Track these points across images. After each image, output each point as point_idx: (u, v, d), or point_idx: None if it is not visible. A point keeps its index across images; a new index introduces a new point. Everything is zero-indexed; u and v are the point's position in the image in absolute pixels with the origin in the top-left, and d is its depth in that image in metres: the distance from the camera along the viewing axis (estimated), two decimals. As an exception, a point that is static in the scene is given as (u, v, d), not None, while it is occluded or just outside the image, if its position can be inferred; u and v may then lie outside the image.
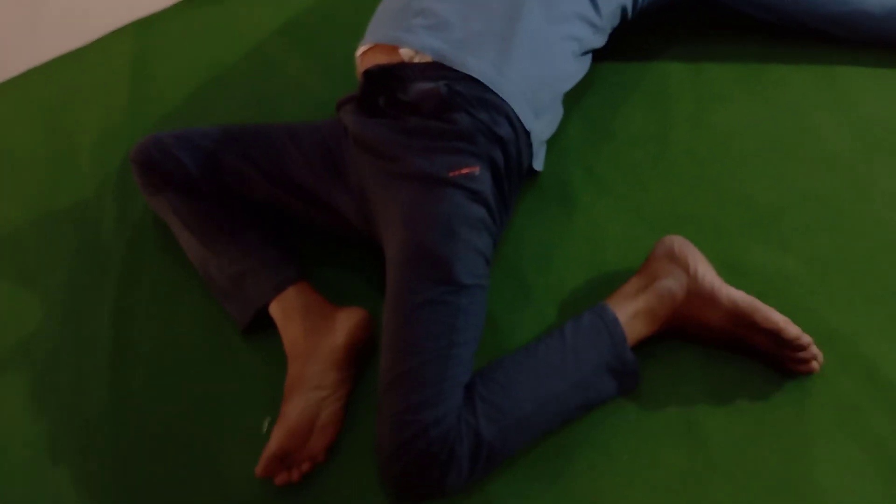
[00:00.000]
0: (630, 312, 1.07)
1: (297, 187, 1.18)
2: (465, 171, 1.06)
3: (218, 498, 1.08)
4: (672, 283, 1.08)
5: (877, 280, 1.14)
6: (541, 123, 1.18)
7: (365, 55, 1.20)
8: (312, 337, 1.10)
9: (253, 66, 1.54)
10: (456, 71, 1.10)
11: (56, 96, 1.58)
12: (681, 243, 1.11)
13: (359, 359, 1.13)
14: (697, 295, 1.07)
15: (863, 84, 1.33)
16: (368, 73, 1.14)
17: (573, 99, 1.34)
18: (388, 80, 1.13)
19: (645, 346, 1.09)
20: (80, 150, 1.48)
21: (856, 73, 1.34)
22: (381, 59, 1.15)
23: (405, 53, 1.14)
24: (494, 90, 1.10)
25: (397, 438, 0.97)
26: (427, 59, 1.12)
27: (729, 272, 1.12)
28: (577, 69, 1.26)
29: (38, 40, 1.67)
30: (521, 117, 1.12)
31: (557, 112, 1.26)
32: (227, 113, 1.48)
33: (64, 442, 1.16)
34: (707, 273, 1.08)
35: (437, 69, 1.11)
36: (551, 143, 1.30)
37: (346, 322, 1.11)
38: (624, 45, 1.38)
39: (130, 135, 1.47)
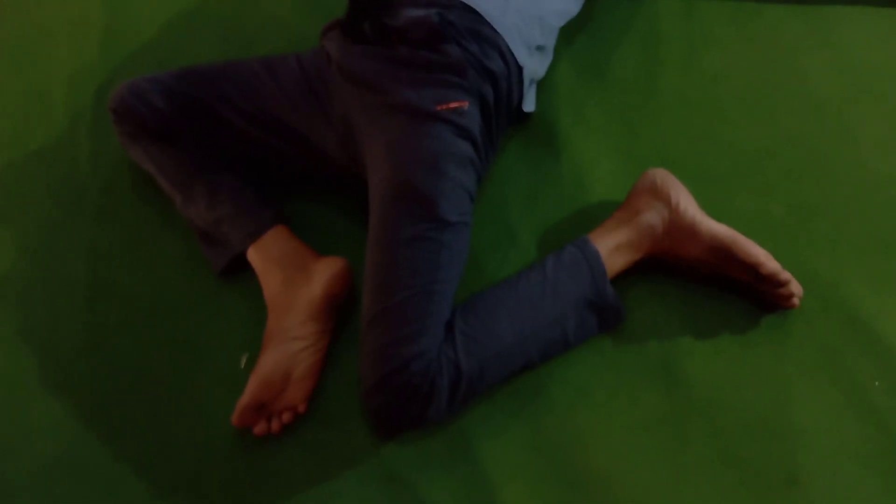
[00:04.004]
0: (611, 246, 1.07)
1: (276, 124, 1.14)
2: (453, 105, 1.04)
3: (196, 435, 1.08)
4: (653, 217, 1.07)
5: (860, 225, 1.15)
6: (533, 60, 1.16)
7: None
8: (290, 288, 1.08)
9: (231, -2, 1.49)
10: None
11: (26, 31, 1.52)
12: (663, 176, 1.10)
13: (338, 309, 1.12)
14: (678, 228, 1.07)
15: (855, 27, 1.31)
16: None
17: (563, 39, 1.32)
18: (375, 3, 1.09)
19: (623, 284, 1.09)
20: (53, 86, 1.43)
21: (848, 13, 1.32)
22: None
23: None
24: (490, 21, 1.07)
25: (379, 371, 0.97)
26: None
27: (714, 217, 1.10)
28: (571, 6, 1.23)
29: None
30: (514, 52, 1.10)
31: (549, 51, 1.24)
32: (205, 47, 1.43)
33: (41, 379, 1.14)
34: (689, 206, 1.08)
35: None
36: (539, 83, 1.27)
37: (323, 273, 1.09)
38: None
39: (104, 70, 1.43)
